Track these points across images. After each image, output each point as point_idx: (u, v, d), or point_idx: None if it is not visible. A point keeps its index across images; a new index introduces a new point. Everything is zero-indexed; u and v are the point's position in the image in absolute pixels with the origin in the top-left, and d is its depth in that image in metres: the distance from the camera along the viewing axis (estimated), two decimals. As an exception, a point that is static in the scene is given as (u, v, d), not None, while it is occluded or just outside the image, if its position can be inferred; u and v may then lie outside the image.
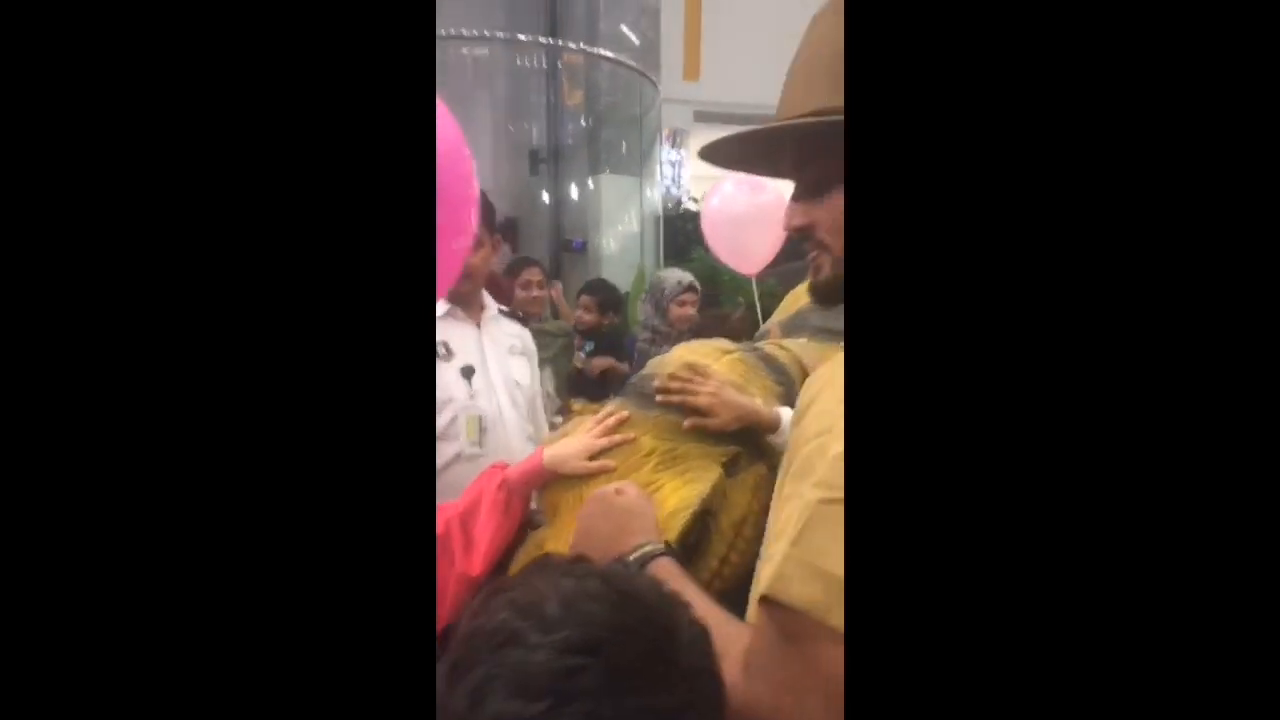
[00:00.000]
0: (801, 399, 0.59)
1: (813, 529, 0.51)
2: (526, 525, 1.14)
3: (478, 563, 1.06)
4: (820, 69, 0.61)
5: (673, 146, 6.11)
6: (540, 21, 5.41)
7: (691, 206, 5.53)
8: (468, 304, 1.56)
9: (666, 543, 0.79)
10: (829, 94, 0.59)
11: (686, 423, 1.03)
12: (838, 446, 0.51)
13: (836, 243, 0.64)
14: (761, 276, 3.26)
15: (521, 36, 5.13)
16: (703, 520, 1.00)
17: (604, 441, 1.05)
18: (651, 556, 0.74)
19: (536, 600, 0.46)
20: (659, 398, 1.05)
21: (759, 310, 3.06)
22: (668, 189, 6.00)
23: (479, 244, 1.43)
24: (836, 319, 1.12)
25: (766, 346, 1.26)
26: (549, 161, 5.51)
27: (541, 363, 2.59)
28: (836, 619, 0.49)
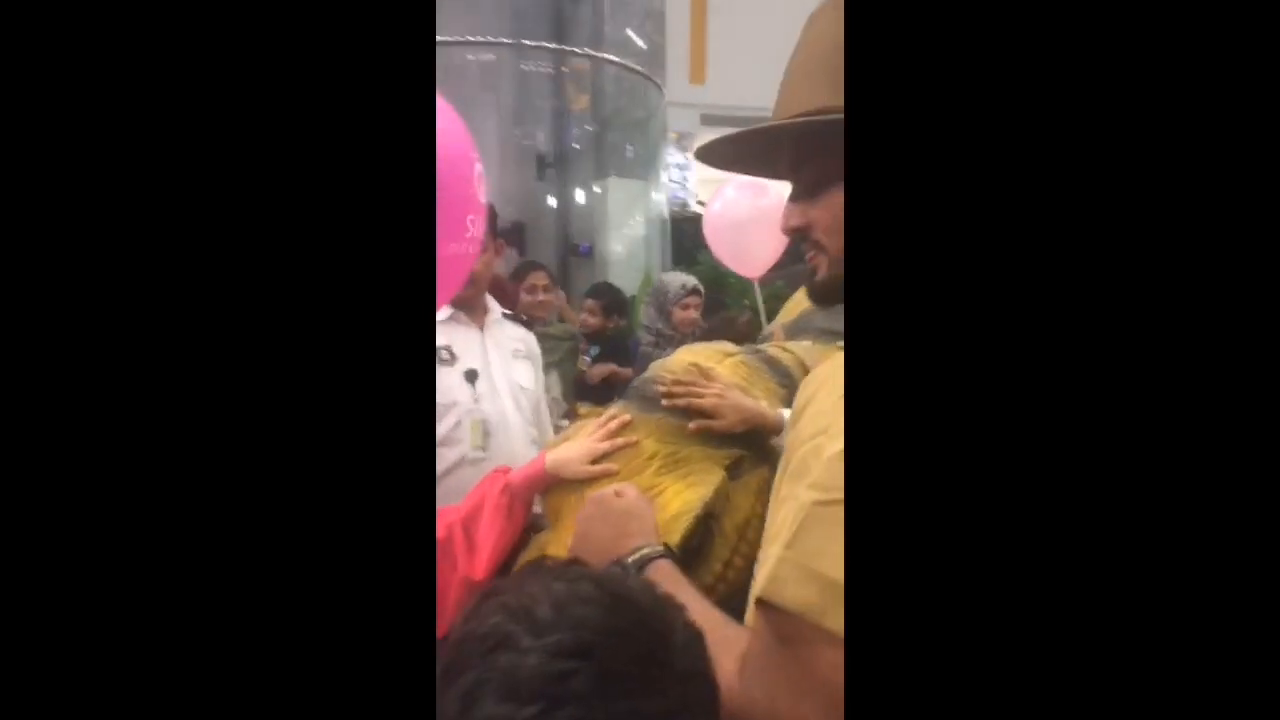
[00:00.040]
0: (798, 400, 0.59)
1: (807, 531, 0.51)
2: (530, 529, 1.14)
3: (481, 567, 1.06)
4: (816, 68, 0.61)
5: (679, 150, 6.12)
6: (545, 27, 5.43)
7: (698, 210, 5.53)
8: (471, 308, 1.56)
9: (666, 545, 0.79)
10: (825, 93, 0.59)
11: (692, 425, 1.02)
12: (833, 447, 0.51)
13: (833, 243, 0.63)
14: (765, 280, 3.26)
15: (527, 42, 5.15)
16: (706, 524, 1.00)
17: (606, 445, 1.05)
18: (650, 559, 0.74)
19: (528, 604, 0.46)
20: (664, 401, 1.05)
21: (763, 313, 3.05)
22: (675, 192, 6.01)
23: (482, 249, 1.43)
24: (841, 320, 1.12)
25: (770, 349, 1.25)
26: (555, 166, 5.52)
27: (548, 367, 2.59)
28: (832, 622, 0.49)
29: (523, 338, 1.70)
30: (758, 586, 0.54)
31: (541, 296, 2.83)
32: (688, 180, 6.70)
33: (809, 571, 0.50)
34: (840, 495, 0.49)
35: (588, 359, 3.00)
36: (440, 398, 1.44)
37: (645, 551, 0.74)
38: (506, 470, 1.13)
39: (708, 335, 2.74)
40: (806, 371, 1.18)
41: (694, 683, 0.47)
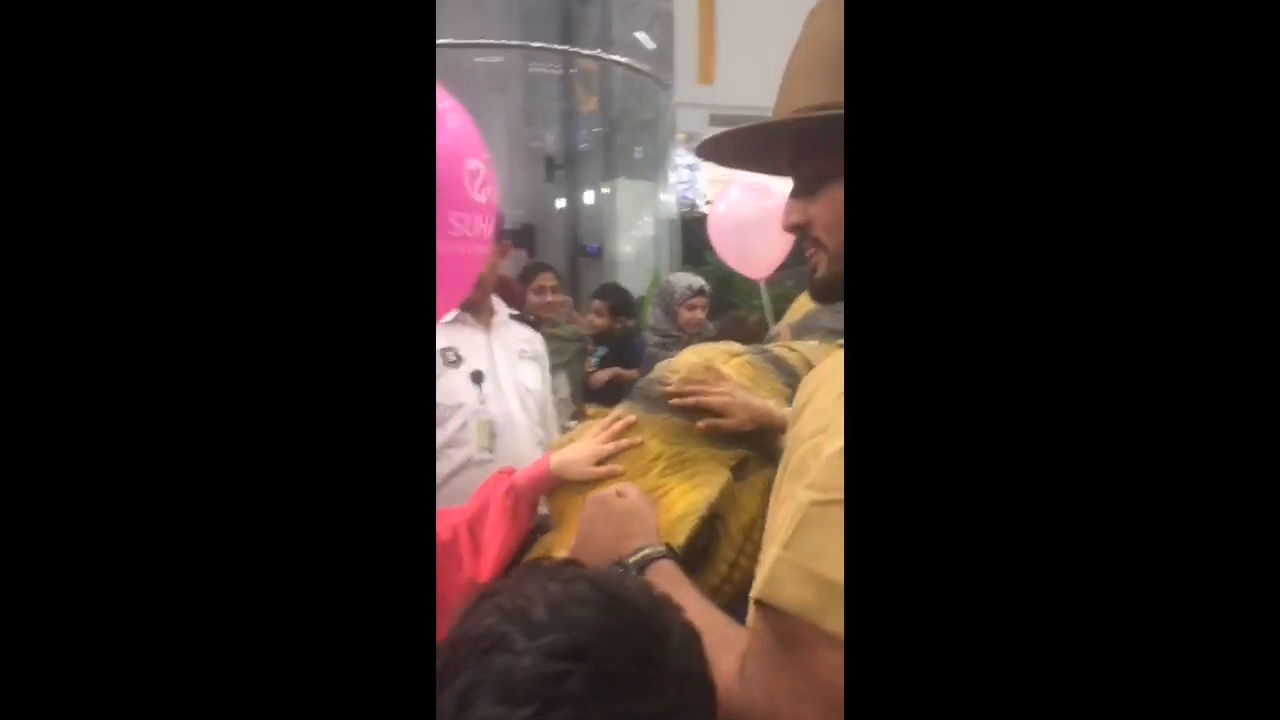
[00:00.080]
0: (798, 398, 0.58)
1: (805, 531, 0.50)
2: (537, 530, 1.13)
3: (486, 568, 1.06)
4: (816, 65, 0.61)
5: (688, 151, 6.11)
6: (554, 28, 5.44)
7: (707, 210, 5.52)
8: (477, 309, 1.56)
9: (667, 545, 0.79)
10: (823, 89, 0.58)
11: (700, 424, 1.02)
12: (831, 446, 0.50)
13: (831, 239, 0.63)
14: (772, 280, 3.25)
15: (535, 44, 5.16)
16: (711, 524, 0.99)
17: (610, 446, 1.05)
18: (651, 559, 0.73)
19: (523, 605, 0.45)
20: (673, 400, 1.04)
21: (770, 314, 3.04)
22: (683, 193, 6.00)
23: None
24: (846, 319, 1.11)
25: (776, 349, 1.25)
26: (564, 168, 5.53)
27: (556, 368, 2.59)
28: (831, 623, 0.48)
29: (529, 338, 1.70)
30: (755, 587, 0.53)
31: (550, 297, 2.83)
32: (697, 181, 6.69)
33: (807, 572, 0.50)
34: (838, 495, 0.48)
35: (595, 360, 3.00)
36: (447, 399, 1.44)
37: (647, 552, 0.74)
38: (511, 472, 1.13)
39: (719, 335, 2.74)
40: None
41: (690, 683, 0.47)
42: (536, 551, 1.08)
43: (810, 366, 1.19)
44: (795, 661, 0.51)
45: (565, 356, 2.79)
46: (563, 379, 2.73)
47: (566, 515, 1.08)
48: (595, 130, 5.66)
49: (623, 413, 1.09)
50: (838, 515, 0.48)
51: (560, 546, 1.02)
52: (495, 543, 1.07)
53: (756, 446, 1.04)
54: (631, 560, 0.74)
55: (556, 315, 2.87)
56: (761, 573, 0.53)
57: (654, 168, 5.76)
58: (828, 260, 0.64)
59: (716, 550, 1.00)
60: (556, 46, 5.24)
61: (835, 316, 1.37)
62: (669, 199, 5.79)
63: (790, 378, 1.16)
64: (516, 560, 1.09)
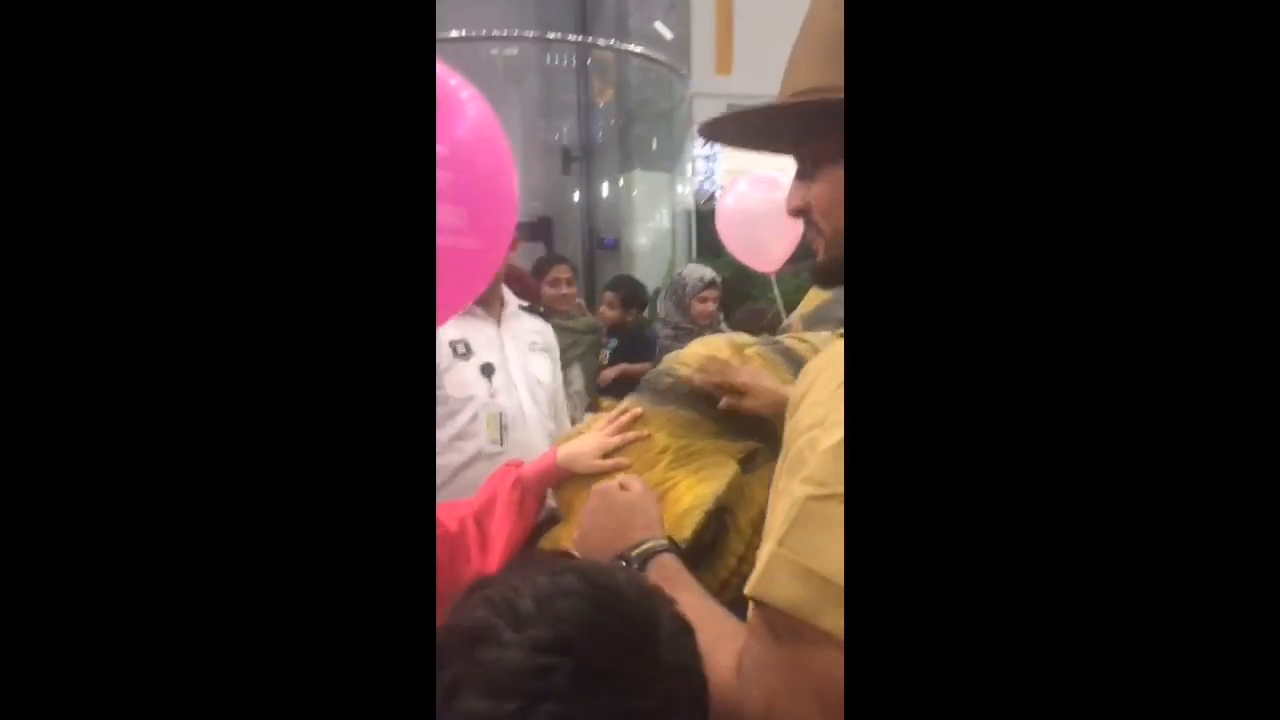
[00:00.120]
0: (796, 389, 0.57)
1: (800, 527, 0.49)
2: (549, 523, 1.13)
3: (493, 561, 1.06)
4: (816, 48, 0.60)
5: (705, 142, 6.07)
6: (570, 19, 5.42)
7: (725, 201, 5.49)
8: (487, 301, 1.55)
9: (670, 539, 0.78)
10: (822, 73, 0.57)
11: (722, 403, 1.01)
12: (828, 440, 0.49)
13: (828, 224, 0.62)
14: (781, 273, 3.22)
15: (551, 35, 5.15)
16: (719, 518, 0.99)
17: (618, 439, 1.04)
18: (654, 553, 0.73)
19: (510, 597, 0.45)
20: (698, 378, 1.03)
21: (781, 306, 3.02)
22: (701, 184, 5.97)
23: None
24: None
25: (786, 340, 1.24)
26: (581, 160, 5.52)
27: (570, 360, 2.59)
28: (828, 621, 0.47)
29: (540, 330, 1.69)
30: (749, 584, 0.52)
31: (564, 290, 2.83)
32: (714, 172, 6.66)
33: (801, 569, 0.49)
34: (835, 490, 0.47)
35: (607, 353, 3.00)
36: (456, 392, 1.44)
37: (649, 545, 0.73)
38: (519, 464, 1.12)
39: (737, 327, 2.73)
40: (821, 362, 1.16)
41: (681, 677, 0.46)
42: (545, 544, 1.08)
43: (820, 357, 1.18)
44: (791, 659, 0.50)
45: (580, 349, 2.78)
46: (576, 371, 2.72)
47: (574, 508, 1.07)
48: (612, 123, 5.64)
49: (630, 405, 1.09)
50: (834, 510, 0.47)
51: (567, 539, 1.02)
52: (502, 535, 1.06)
53: (766, 438, 1.03)
54: (634, 554, 0.73)
55: (570, 307, 2.87)
56: (756, 569, 0.52)
57: (670, 159, 5.74)
58: (826, 245, 0.63)
59: (725, 544, 0.99)
60: (573, 38, 5.21)
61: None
62: (685, 191, 5.76)
63: (800, 369, 1.15)
64: (524, 553, 1.09)
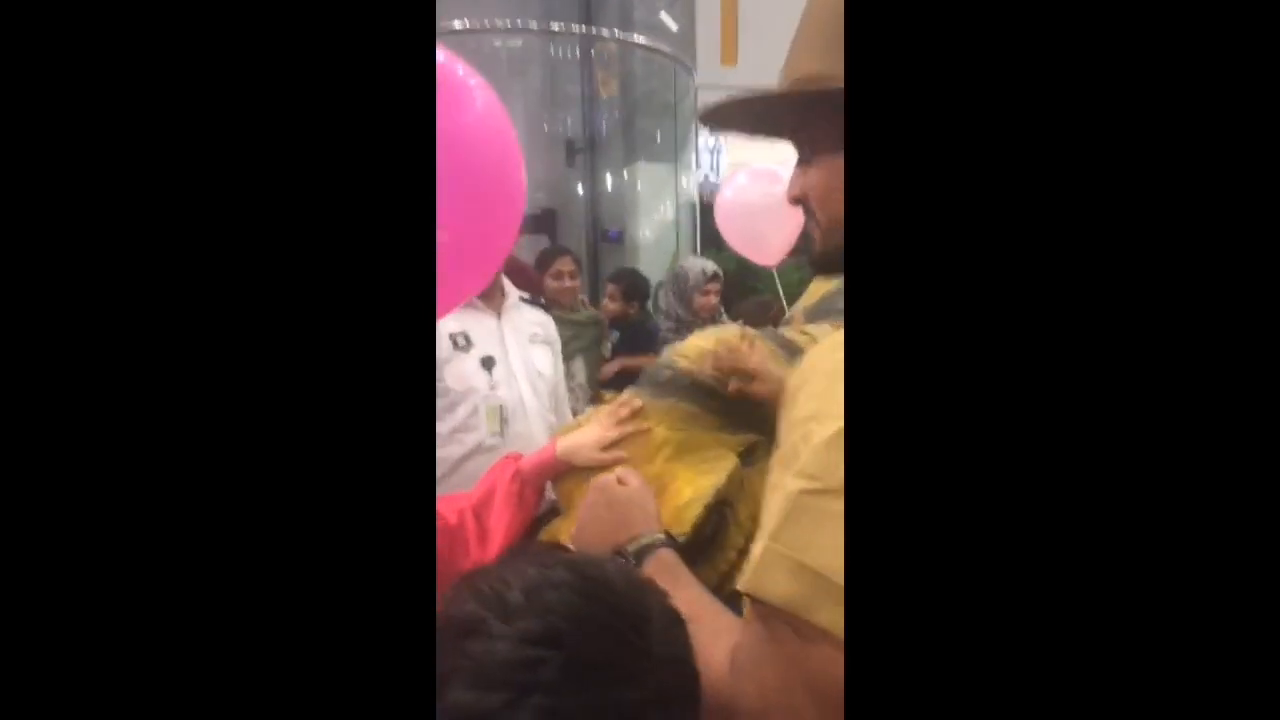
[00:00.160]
0: (791, 382, 0.56)
1: (793, 521, 0.49)
2: (550, 514, 1.13)
3: (493, 554, 1.06)
4: (816, 35, 0.59)
5: (711, 133, 6.05)
6: (574, 10, 5.39)
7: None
8: (487, 293, 1.55)
9: (667, 533, 0.78)
10: (821, 60, 0.56)
11: (731, 386, 1.01)
12: (822, 433, 0.48)
13: (823, 212, 0.61)
14: (782, 265, 3.21)
15: (555, 27, 5.12)
16: (719, 511, 0.98)
17: (616, 432, 1.04)
18: (651, 548, 0.72)
19: (500, 589, 0.45)
20: (712, 364, 1.03)
21: (784, 300, 3.02)
22: (706, 176, 5.95)
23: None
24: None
25: (788, 332, 1.23)
26: (585, 152, 5.50)
27: (574, 353, 2.58)
28: (821, 616, 0.47)
29: (541, 322, 1.69)
30: (741, 579, 0.52)
31: (568, 282, 2.82)
32: (719, 164, 6.64)
33: (793, 564, 0.48)
34: (828, 484, 0.47)
35: (609, 345, 2.99)
36: (456, 384, 1.44)
37: (646, 540, 0.73)
38: (518, 457, 1.12)
39: (747, 320, 2.72)
40: (820, 355, 1.15)
41: (672, 669, 0.45)
42: (543, 537, 1.08)
43: (821, 350, 1.17)
44: (785, 654, 0.50)
45: (583, 342, 2.77)
46: (579, 364, 2.72)
47: (573, 500, 1.07)
48: (616, 115, 5.61)
49: (629, 398, 1.08)
50: (827, 505, 0.46)
51: (566, 533, 1.01)
52: (501, 528, 1.06)
53: (766, 431, 1.02)
54: (631, 549, 0.73)
55: (573, 299, 2.85)
56: (749, 563, 0.52)
57: (675, 151, 5.71)
58: (822, 233, 0.62)
59: (725, 537, 0.99)
60: (576, 28, 5.18)
61: (850, 300, 1.34)
62: (689, 183, 5.73)
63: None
64: (523, 545, 1.09)
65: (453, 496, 1.09)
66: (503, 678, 0.41)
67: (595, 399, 2.72)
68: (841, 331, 0.54)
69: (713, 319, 2.79)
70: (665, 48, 5.32)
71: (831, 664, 0.46)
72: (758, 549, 0.51)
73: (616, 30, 5.28)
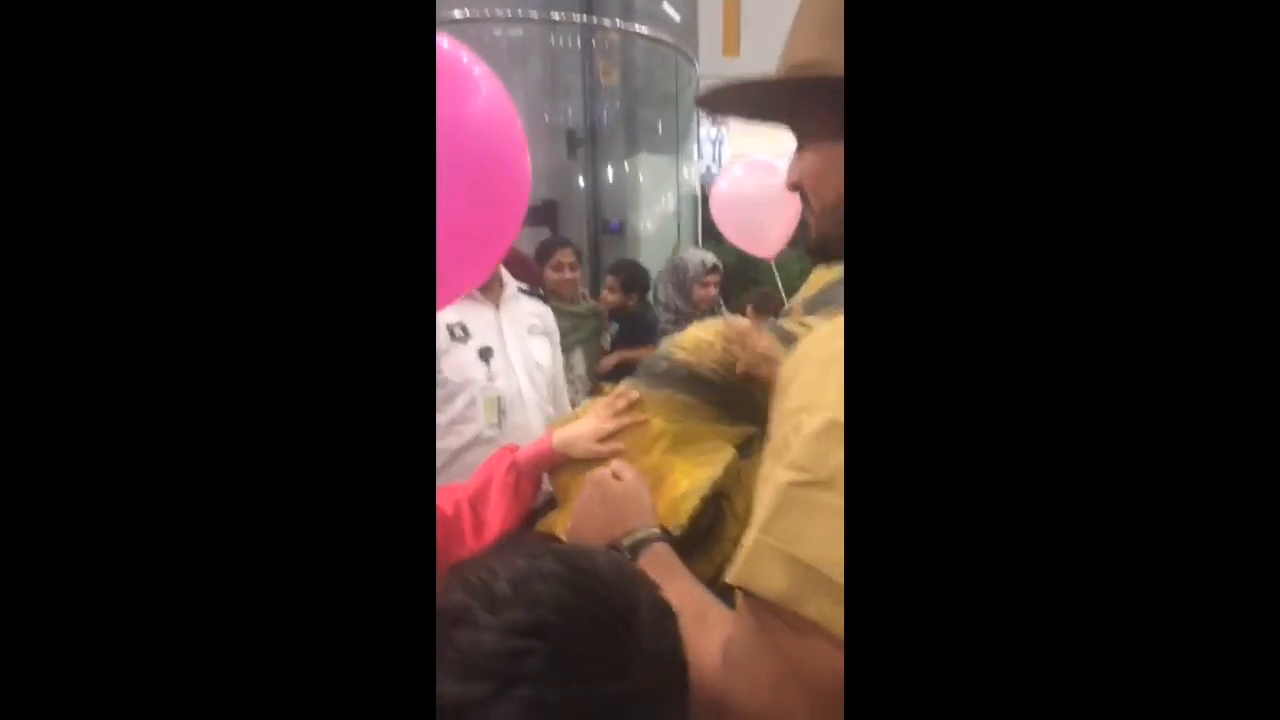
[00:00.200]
0: (784, 372, 0.56)
1: (783, 514, 0.48)
2: (546, 506, 1.13)
3: (488, 545, 1.06)
4: (814, 21, 0.58)
5: (712, 124, 6.03)
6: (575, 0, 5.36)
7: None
8: (486, 284, 1.54)
9: (662, 527, 0.77)
10: (820, 46, 0.56)
11: (740, 367, 1.00)
12: (813, 424, 0.48)
13: (817, 199, 0.61)
14: (781, 257, 3.20)
15: (556, 16, 5.09)
16: (716, 503, 0.98)
17: (613, 424, 1.03)
18: (646, 542, 0.72)
19: (488, 580, 0.44)
20: (722, 346, 1.02)
21: (782, 290, 3.01)
22: (708, 168, 5.93)
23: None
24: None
25: (786, 324, 1.22)
26: (586, 143, 5.47)
27: (574, 344, 2.58)
28: (812, 608, 0.46)
29: (540, 313, 1.68)
30: (731, 571, 0.51)
31: (568, 274, 2.81)
32: (721, 155, 6.62)
33: (783, 556, 0.48)
34: (818, 476, 0.46)
35: (609, 337, 2.99)
36: (454, 375, 1.43)
37: (641, 534, 0.73)
38: (514, 448, 1.12)
39: (755, 309, 2.71)
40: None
41: (661, 662, 0.45)
42: (542, 528, 1.08)
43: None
44: (776, 647, 0.49)
45: (582, 334, 2.77)
46: (579, 356, 2.71)
47: (570, 493, 1.07)
48: (617, 105, 5.59)
49: (627, 389, 1.08)
50: (818, 497, 0.46)
51: (563, 526, 1.01)
52: (497, 519, 1.06)
53: (763, 423, 1.02)
54: (626, 543, 0.72)
55: (573, 291, 2.84)
56: (739, 556, 0.51)
57: (677, 142, 5.69)
58: (816, 220, 0.61)
59: (722, 529, 0.98)
60: (577, 18, 5.15)
61: (850, 292, 1.33)
62: (690, 174, 5.72)
63: (798, 353, 1.14)
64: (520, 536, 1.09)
65: (449, 488, 1.09)
66: (488, 668, 0.40)
67: (594, 391, 2.72)
68: (834, 320, 0.53)
69: (712, 311, 2.79)
70: (667, 38, 5.29)
71: (823, 657, 0.45)
72: (748, 541, 0.51)
73: (618, 20, 5.25)
